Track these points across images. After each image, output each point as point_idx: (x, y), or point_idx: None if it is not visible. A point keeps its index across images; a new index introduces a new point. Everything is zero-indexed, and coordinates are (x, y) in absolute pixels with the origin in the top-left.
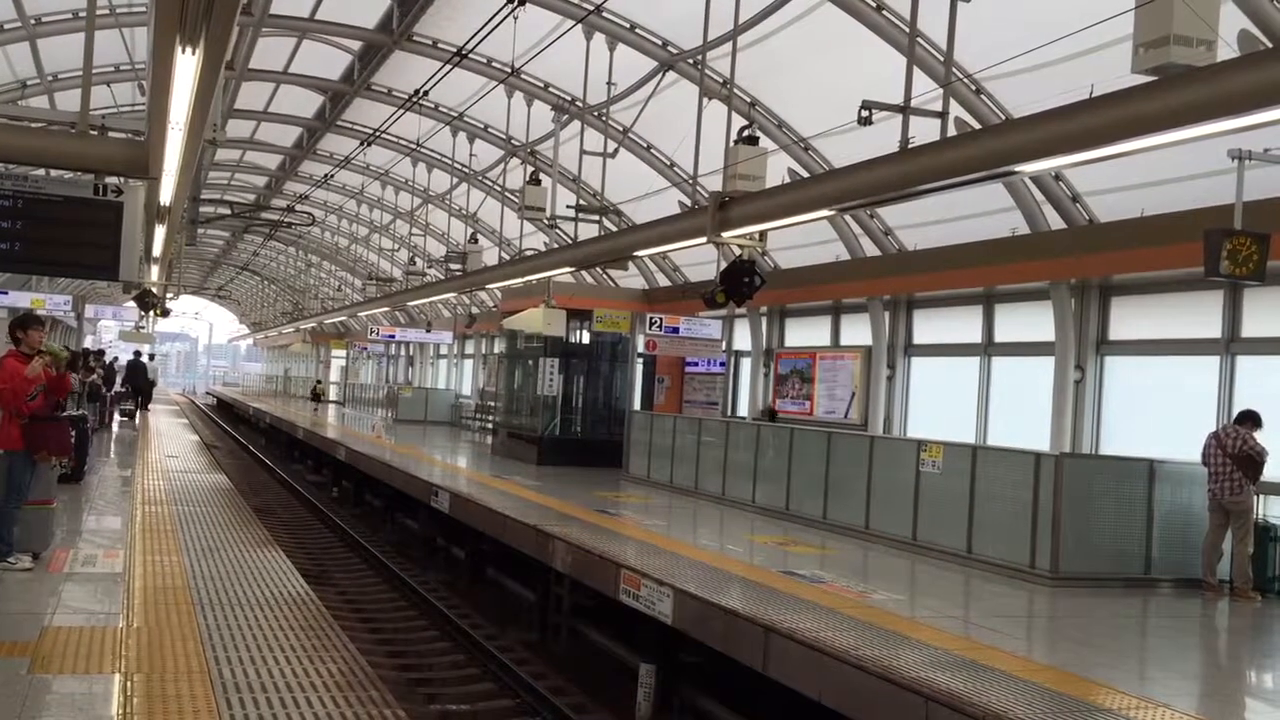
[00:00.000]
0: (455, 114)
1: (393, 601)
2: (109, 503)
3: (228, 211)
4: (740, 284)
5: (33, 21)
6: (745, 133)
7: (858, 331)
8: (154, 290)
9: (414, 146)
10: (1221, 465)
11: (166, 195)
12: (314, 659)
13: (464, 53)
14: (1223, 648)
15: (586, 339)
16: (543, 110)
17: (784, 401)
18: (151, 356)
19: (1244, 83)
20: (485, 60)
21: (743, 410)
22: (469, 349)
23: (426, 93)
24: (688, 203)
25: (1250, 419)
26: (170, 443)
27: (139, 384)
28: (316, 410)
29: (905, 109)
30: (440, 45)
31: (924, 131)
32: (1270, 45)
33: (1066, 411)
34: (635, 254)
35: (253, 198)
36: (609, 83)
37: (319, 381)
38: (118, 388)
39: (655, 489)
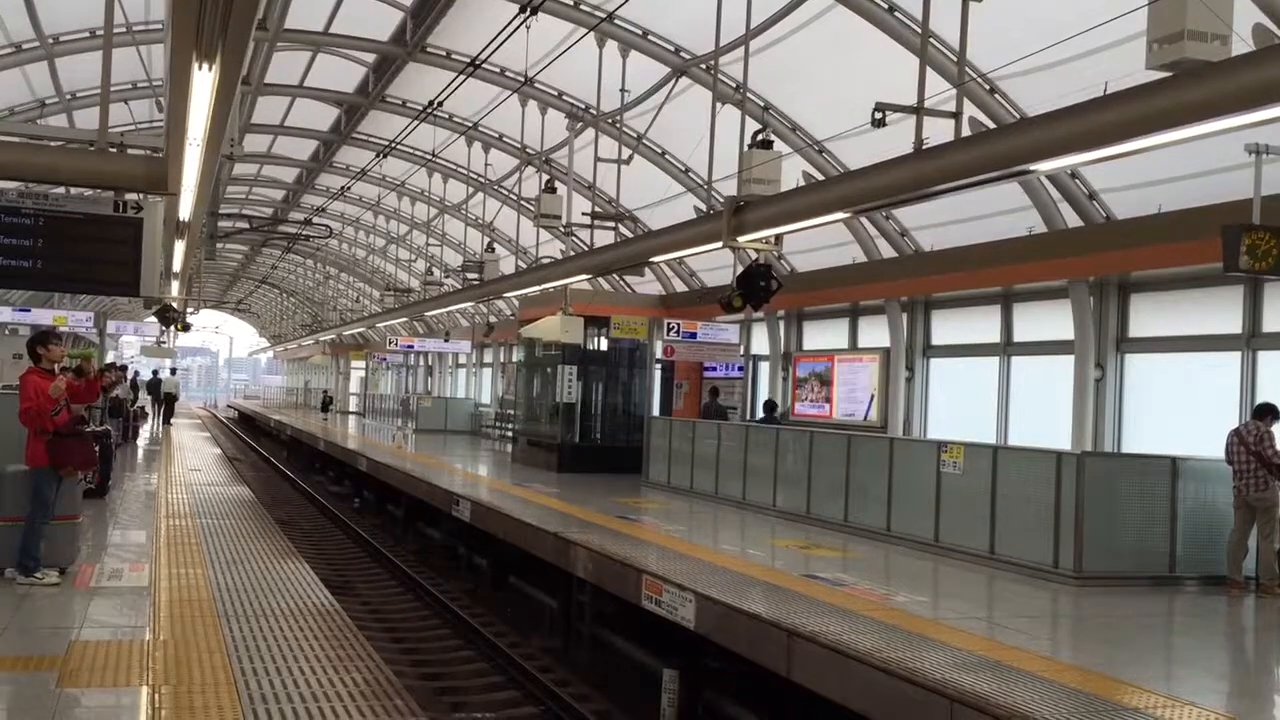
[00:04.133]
0: (470, 124)
1: (416, 611)
2: (133, 517)
3: (246, 225)
4: (757, 288)
5: (50, 41)
6: (759, 137)
7: (876, 333)
8: (174, 305)
9: (429, 157)
10: (1245, 462)
11: (185, 210)
12: (339, 669)
13: (477, 63)
14: (1250, 645)
15: (604, 346)
16: (557, 119)
17: (803, 404)
18: (173, 371)
19: (1259, 77)
20: (499, 70)
21: (761, 414)
22: (487, 358)
23: (441, 104)
24: (703, 208)
25: (1270, 412)
26: (193, 456)
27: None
28: (325, 419)
29: (919, 110)
30: (454, 56)
31: (938, 132)
32: None
33: (1087, 410)
34: (651, 260)
35: (270, 211)
36: (622, 90)
37: (326, 392)
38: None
39: (675, 494)
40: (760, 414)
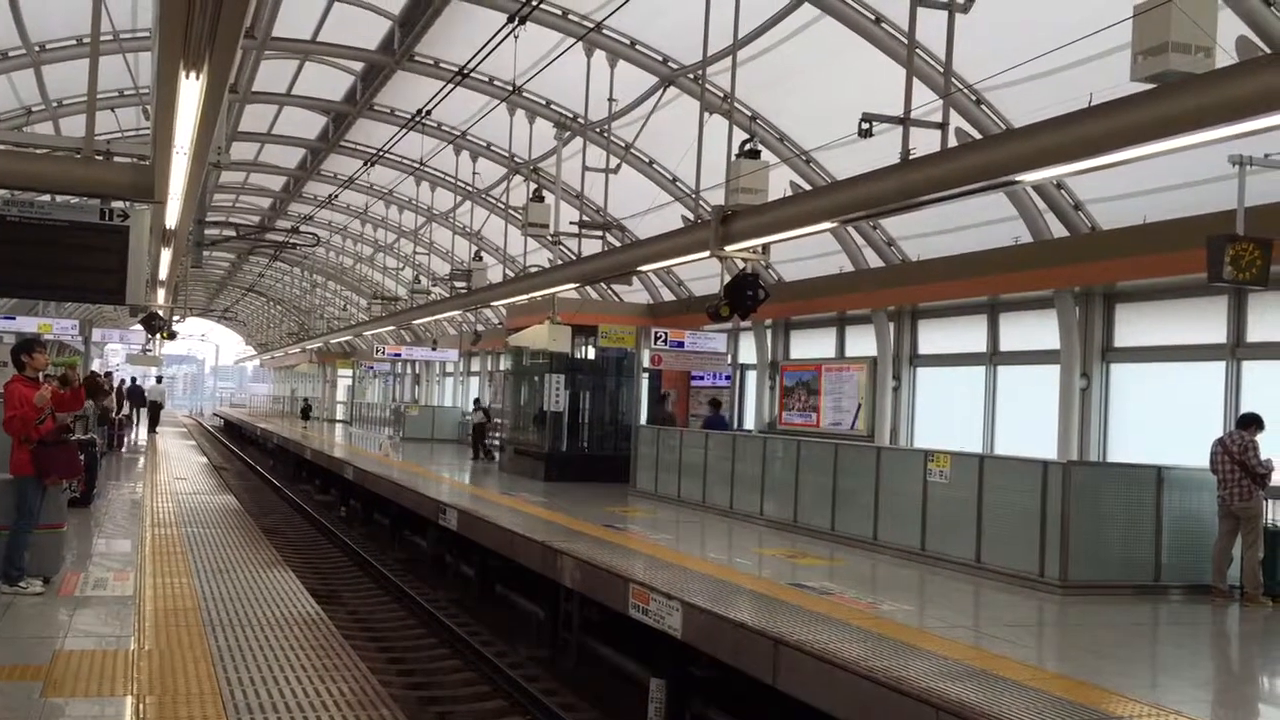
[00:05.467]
0: (458, 133)
1: (402, 620)
2: (119, 526)
3: (233, 234)
4: (744, 297)
5: (37, 48)
6: (746, 146)
7: (863, 343)
8: (161, 313)
9: (417, 166)
10: (1230, 471)
11: (172, 218)
12: (325, 679)
13: (465, 72)
14: (1234, 653)
15: (592, 354)
16: (545, 127)
17: (790, 414)
18: (159, 379)
19: (1243, 89)
20: (487, 79)
21: (749, 424)
22: (475, 366)
23: (429, 112)
24: (690, 217)
25: (1254, 422)
26: (179, 465)
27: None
28: (305, 426)
29: (905, 120)
30: (442, 65)
31: (925, 142)
32: (1268, 51)
33: (1073, 419)
34: (639, 269)
35: (257, 219)
36: (610, 99)
37: (305, 399)
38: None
39: (663, 503)
40: (707, 411)
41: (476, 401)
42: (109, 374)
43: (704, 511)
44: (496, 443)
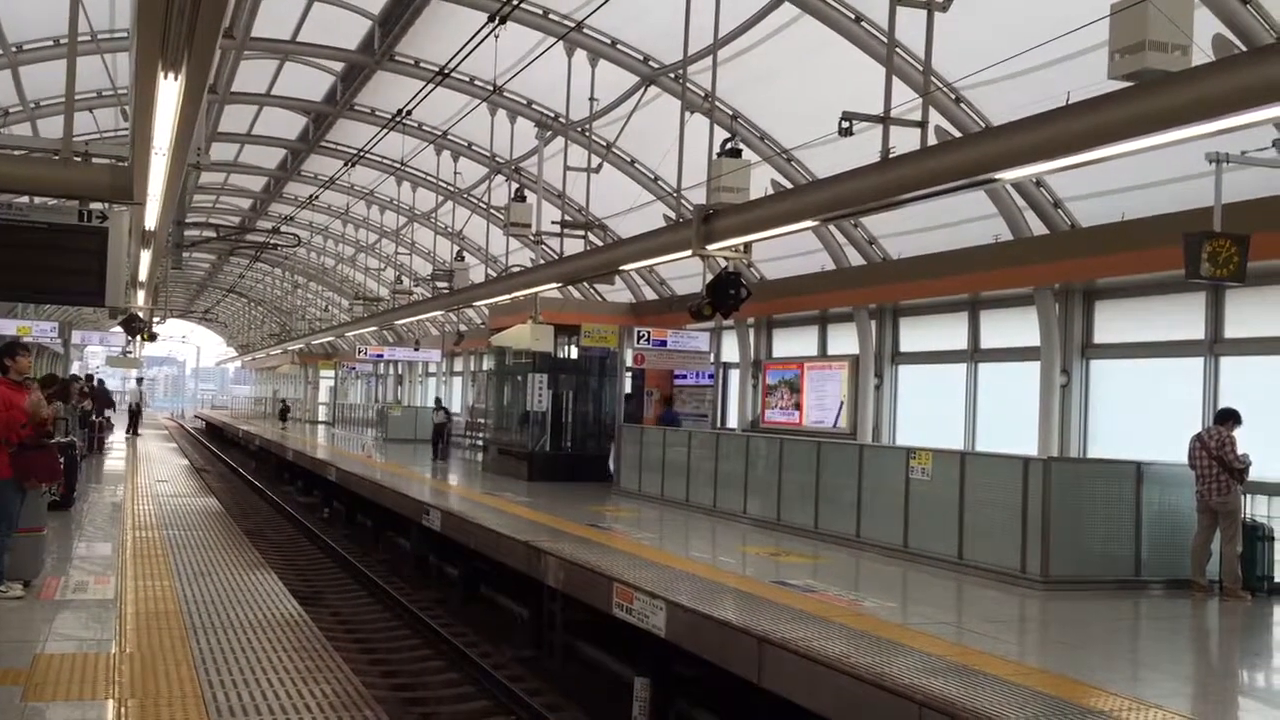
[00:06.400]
0: (439, 133)
1: (386, 621)
2: (99, 529)
3: (213, 235)
4: (726, 296)
5: (14, 49)
6: (728, 145)
7: (845, 341)
8: (141, 315)
9: (398, 166)
10: (1207, 467)
11: (151, 220)
12: (308, 681)
13: (446, 72)
14: (1214, 647)
15: (575, 354)
16: (526, 127)
17: (773, 412)
18: (139, 381)
19: (1219, 86)
20: (468, 79)
21: (732, 422)
22: (458, 366)
23: (409, 112)
24: (672, 216)
25: (1231, 417)
26: (160, 467)
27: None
28: (284, 428)
29: (885, 119)
30: (422, 65)
31: (905, 141)
32: (1245, 49)
33: (1053, 416)
34: (621, 268)
35: (238, 220)
36: (591, 98)
37: (283, 401)
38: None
39: (646, 502)
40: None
41: (437, 400)
42: (88, 377)
43: (688, 510)
44: (465, 442)
